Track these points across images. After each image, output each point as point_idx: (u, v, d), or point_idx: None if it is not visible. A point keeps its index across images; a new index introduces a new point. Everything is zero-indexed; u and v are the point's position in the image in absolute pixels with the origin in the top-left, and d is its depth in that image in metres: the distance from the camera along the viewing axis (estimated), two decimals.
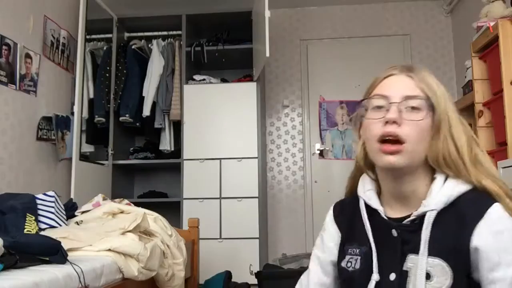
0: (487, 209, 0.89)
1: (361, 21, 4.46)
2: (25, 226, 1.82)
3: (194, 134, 3.73)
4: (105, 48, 3.94)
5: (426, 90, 0.95)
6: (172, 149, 3.92)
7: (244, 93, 3.76)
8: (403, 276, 0.93)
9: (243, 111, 3.73)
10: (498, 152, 2.58)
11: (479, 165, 0.95)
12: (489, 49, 2.68)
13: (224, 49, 3.89)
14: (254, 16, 3.79)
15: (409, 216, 0.95)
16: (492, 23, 2.61)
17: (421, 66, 1.00)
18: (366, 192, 1.03)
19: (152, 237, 2.11)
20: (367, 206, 1.02)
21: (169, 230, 2.33)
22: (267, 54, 3.15)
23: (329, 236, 1.10)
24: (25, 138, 3.00)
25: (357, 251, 1.02)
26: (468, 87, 3.07)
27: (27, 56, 3.01)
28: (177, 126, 3.87)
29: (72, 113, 3.36)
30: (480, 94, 2.79)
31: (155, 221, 2.30)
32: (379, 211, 0.99)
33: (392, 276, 0.94)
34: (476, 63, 2.83)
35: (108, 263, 1.73)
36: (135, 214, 2.15)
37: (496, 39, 2.55)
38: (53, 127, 3.24)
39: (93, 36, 3.89)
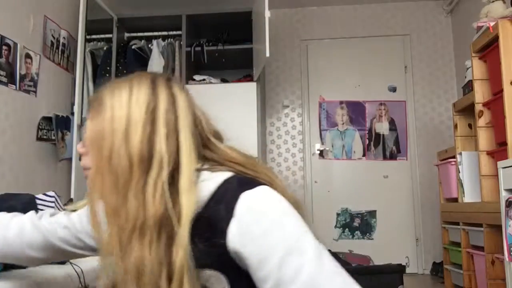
0: None
1: (361, 21, 4.46)
2: None
3: None
4: (105, 48, 3.94)
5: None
6: None
7: (244, 93, 3.76)
8: None
9: (243, 111, 3.72)
10: (498, 152, 2.58)
11: None
12: (489, 49, 2.68)
13: (224, 49, 3.88)
14: (254, 16, 3.79)
15: None
16: (492, 23, 2.61)
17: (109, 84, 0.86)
18: None
19: None
20: None
21: None
22: (267, 54, 3.15)
23: None
24: (25, 138, 3.00)
25: None
26: (468, 87, 3.07)
27: (27, 56, 3.01)
28: None
29: (72, 113, 3.35)
30: (480, 94, 2.79)
31: None
32: None
33: None
34: (476, 63, 2.83)
35: None
36: None
37: (496, 39, 2.55)
38: (53, 127, 3.24)
39: (93, 36, 3.88)
